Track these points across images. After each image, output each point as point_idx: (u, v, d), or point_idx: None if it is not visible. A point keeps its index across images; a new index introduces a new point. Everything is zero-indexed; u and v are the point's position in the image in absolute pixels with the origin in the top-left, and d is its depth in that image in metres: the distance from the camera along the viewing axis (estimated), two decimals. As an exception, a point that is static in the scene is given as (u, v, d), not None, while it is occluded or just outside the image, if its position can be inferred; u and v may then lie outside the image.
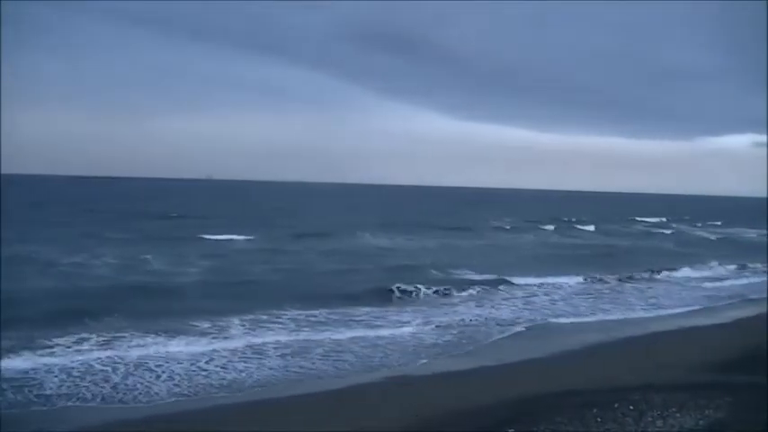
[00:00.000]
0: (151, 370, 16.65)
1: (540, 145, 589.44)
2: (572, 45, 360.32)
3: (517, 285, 31.08)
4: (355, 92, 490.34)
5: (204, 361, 17.58)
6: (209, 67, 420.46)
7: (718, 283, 35.03)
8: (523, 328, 22.79)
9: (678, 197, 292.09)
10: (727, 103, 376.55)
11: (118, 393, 14.92)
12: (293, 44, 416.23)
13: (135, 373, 16.38)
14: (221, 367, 17.17)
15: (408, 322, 23.08)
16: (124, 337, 19.43)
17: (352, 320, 23.12)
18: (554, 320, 24.25)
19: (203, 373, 16.67)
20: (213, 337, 20.06)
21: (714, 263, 42.24)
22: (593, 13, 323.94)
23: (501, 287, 30.34)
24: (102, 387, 15.23)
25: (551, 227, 74.09)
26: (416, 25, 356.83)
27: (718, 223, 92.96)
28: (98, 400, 14.52)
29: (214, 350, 18.64)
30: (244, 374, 16.69)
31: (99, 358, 17.40)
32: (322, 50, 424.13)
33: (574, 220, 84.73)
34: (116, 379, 15.80)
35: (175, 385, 15.63)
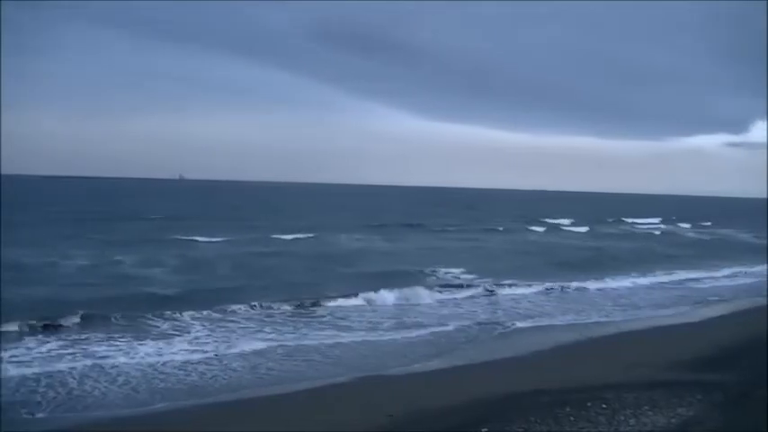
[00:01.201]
0: (107, 372, 16.35)
1: (510, 145, 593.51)
2: (542, 45, 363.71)
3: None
4: (326, 91, 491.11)
5: (162, 362, 17.37)
6: (180, 66, 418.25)
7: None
8: (498, 329, 22.70)
9: (652, 197, 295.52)
10: (698, 103, 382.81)
11: (76, 398, 14.54)
12: (264, 44, 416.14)
13: (92, 375, 16.07)
14: (181, 369, 16.94)
15: (380, 323, 22.98)
16: (86, 339, 19.17)
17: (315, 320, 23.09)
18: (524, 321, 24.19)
19: (161, 376, 16.36)
20: (173, 338, 19.84)
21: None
22: (564, 14, 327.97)
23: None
24: (58, 391, 14.82)
25: (541, 228, 73.80)
26: (387, 25, 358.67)
27: (708, 224, 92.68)
28: (53, 406, 14.05)
29: (176, 351, 18.46)
30: (207, 375, 16.47)
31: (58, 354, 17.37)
32: (293, 50, 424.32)
33: (567, 222, 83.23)
34: (73, 383, 15.40)
35: (133, 389, 15.30)
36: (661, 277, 36.37)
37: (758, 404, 12.12)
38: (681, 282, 35.42)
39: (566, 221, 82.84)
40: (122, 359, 17.40)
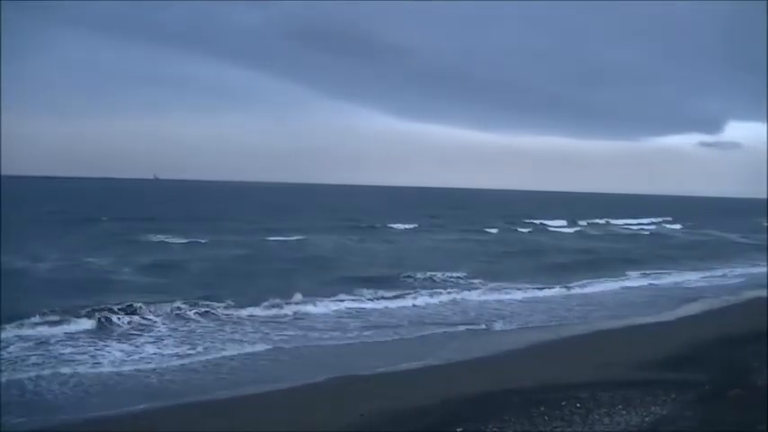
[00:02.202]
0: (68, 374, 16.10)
1: (484, 145, 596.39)
2: (515, 45, 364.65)
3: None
4: (300, 91, 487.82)
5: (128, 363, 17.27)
6: (153, 66, 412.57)
7: None
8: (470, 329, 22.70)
9: (628, 197, 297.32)
10: (672, 104, 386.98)
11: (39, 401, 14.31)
12: (237, 44, 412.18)
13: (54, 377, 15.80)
14: (145, 370, 16.77)
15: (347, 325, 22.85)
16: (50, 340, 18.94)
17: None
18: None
19: (124, 378, 16.19)
20: (137, 338, 19.74)
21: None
22: (538, 14, 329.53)
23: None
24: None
25: (527, 228, 73.14)
26: (361, 26, 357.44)
27: (689, 224, 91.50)
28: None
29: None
30: (172, 377, 16.30)
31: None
32: (266, 50, 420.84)
33: (554, 223, 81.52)
34: (32, 386, 15.13)
35: (96, 391, 15.09)
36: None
37: (731, 403, 12.18)
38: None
39: (552, 222, 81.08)
40: (86, 359, 17.28)
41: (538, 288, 30.75)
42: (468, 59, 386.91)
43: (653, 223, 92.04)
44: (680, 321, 23.79)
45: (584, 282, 33.16)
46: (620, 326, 22.86)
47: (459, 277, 33.08)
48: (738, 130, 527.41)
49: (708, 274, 38.55)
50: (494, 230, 67.80)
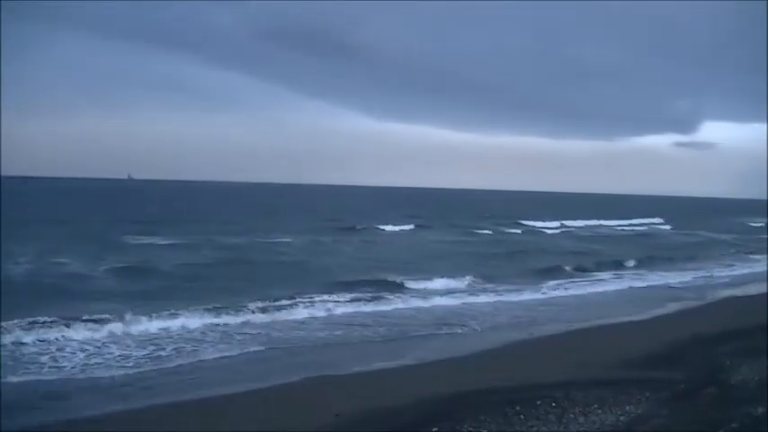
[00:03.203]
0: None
1: (461, 144, 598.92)
2: (492, 45, 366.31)
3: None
4: (277, 92, 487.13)
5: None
6: (126, 66, 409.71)
7: None
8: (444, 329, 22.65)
9: (607, 197, 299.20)
10: (647, 104, 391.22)
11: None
12: (211, 43, 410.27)
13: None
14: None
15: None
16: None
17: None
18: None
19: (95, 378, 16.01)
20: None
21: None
22: (514, 13, 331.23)
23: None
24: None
25: (517, 230, 71.15)
26: (336, 25, 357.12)
27: (678, 225, 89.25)
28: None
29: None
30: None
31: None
32: (241, 50, 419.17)
33: (542, 224, 79.32)
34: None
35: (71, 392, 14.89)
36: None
37: (705, 401, 12.25)
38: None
39: (538, 223, 79.06)
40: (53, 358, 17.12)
41: (518, 290, 30.62)
42: (446, 59, 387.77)
43: (644, 224, 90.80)
44: (654, 320, 23.89)
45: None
46: (596, 325, 22.88)
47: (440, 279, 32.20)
48: (713, 131, 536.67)
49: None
50: (485, 231, 66.75)
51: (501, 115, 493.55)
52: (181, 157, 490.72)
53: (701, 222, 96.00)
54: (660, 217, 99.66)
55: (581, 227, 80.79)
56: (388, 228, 65.15)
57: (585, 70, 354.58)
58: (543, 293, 30.18)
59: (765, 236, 66.81)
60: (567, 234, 70.53)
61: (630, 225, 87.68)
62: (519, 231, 70.02)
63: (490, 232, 66.69)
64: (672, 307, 26.75)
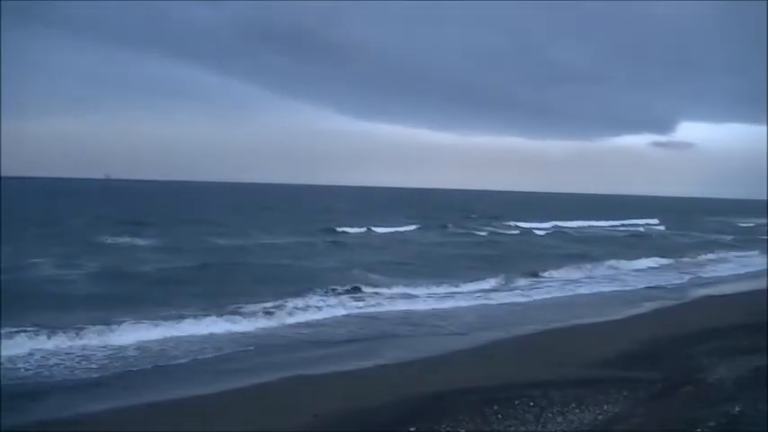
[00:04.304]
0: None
1: (437, 144, 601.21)
2: (471, 45, 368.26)
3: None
4: (255, 91, 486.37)
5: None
6: (105, 65, 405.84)
7: None
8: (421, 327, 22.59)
9: (584, 196, 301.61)
10: (625, 104, 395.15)
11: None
12: (190, 43, 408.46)
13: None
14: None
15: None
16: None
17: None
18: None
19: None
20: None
21: None
22: (492, 13, 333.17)
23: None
24: None
25: (513, 232, 69.82)
26: (315, 25, 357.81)
27: (662, 226, 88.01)
28: None
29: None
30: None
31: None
32: (220, 50, 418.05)
33: (532, 225, 77.74)
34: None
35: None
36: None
37: (682, 400, 12.27)
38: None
39: (530, 225, 77.52)
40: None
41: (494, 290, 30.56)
42: (424, 59, 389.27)
43: (638, 225, 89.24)
44: (631, 320, 23.97)
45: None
46: (573, 324, 22.91)
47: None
48: (691, 131, 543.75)
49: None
50: (483, 233, 65.98)
51: (478, 115, 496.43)
52: (159, 156, 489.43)
53: (690, 223, 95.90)
54: (650, 216, 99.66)
55: (574, 228, 79.99)
56: (379, 230, 63.90)
57: (563, 71, 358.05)
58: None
59: (762, 236, 67.43)
60: (561, 235, 69.10)
61: (623, 225, 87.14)
62: (514, 233, 68.50)
63: (485, 234, 66.00)
64: (649, 306, 26.84)
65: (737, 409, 10.35)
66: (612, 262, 41.40)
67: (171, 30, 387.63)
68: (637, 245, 58.10)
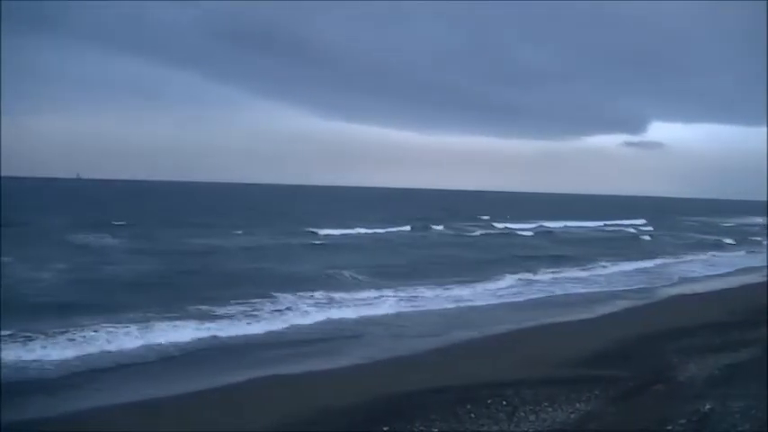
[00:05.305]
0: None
1: (409, 144, 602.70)
2: (443, 46, 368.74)
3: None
4: (228, 91, 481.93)
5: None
6: (78, 64, 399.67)
7: None
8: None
9: (556, 196, 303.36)
10: (596, 104, 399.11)
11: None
12: (163, 42, 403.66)
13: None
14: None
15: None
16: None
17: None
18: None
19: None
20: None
21: None
22: (465, 14, 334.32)
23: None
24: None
25: (494, 231, 69.53)
26: (289, 26, 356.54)
27: (650, 227, 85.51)
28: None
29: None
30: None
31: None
32: (193, 49, 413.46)
33: (518, 226, 75.88)
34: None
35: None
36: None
37: (653, 398, 12.34)
38: None
39: (515, 225, 76.29)
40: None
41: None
42: (396, 60, 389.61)
43: (623, 226, 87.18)
44: (603, 319, 24.07)
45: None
46: (545, 324, 22.95)
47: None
48: (661, 131, 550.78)
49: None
50: (476, 233, 65.52)
51: (449, 115, 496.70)
52: (131, 156, 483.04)
53: (673, 224, 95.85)
54: (642, 218, 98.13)
55: (560, 228, 78.76)
56: (362, 230, 62.53)
57: (535, 70, 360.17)
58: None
59: (751, 236, 68.54)
60: (547, 235, 68.44)
61: (607, 225, 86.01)
62: (498, 233, 67.93)
63: (478, 234, 65.67)
64: (620, 305, 27.00)
65: (708, 406, 10.43)
66: (608, 263, 41.77)
67: (144, 29, 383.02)
68: (631, 246, 58.21)
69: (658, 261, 45.05)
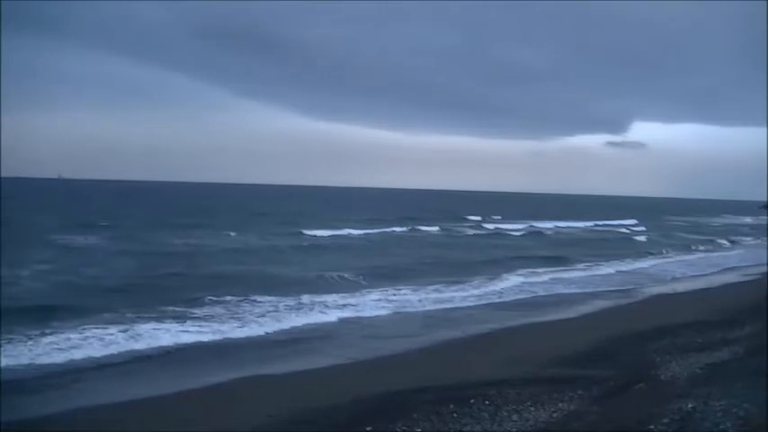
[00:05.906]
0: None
1: (394, 144, 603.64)
2: (425, 44, 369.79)
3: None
4: (209, 90, 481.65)
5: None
6: (59, 64, 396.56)
7: None
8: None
9: (541, 196, 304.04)
10: (579, 104, 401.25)
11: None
12: (144, 41, 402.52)
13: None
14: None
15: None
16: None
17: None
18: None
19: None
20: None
21: None
22: (446, 13, 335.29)
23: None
24: None
25: (483, 231, 69.64)
26: (269, 25, 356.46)
27: (643, 227, 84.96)
28: None
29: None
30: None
31: None
32: (175, 48, 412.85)
33: (509, 226, 76.07)
34: None
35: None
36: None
37: (635, 397, 12.35)
38: None
39: (507, 225, 76.63)
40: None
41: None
42: (385, 61, 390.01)
43: (618, 226, 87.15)
44: (584, 318, 24.13)
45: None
46: (527, 323, 22.99)
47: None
48: (643, 131, 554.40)
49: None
50: (466, 233, 65.73)
51: (432, 115, 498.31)
52: (112, 156, 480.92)
53: (663, 224, 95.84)
54: (633, 219, 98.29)
55: (550, 228, 78.38)
56: (349, 231, 62.31)
57: (517, 70, 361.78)
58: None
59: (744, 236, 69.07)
60: (538, 236, 68.04)
61: (597, 226, 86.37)
62: (484, 232, 68.38)
63: (468, 234, 65.52)
64: (601, 305, 27.06)
65: (690, 405, 10.43)
66: (604, 263, 42.07)
67: (125, 27, 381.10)
68: (626, 246, 58.08)
69: (657, 261, 45.36)
